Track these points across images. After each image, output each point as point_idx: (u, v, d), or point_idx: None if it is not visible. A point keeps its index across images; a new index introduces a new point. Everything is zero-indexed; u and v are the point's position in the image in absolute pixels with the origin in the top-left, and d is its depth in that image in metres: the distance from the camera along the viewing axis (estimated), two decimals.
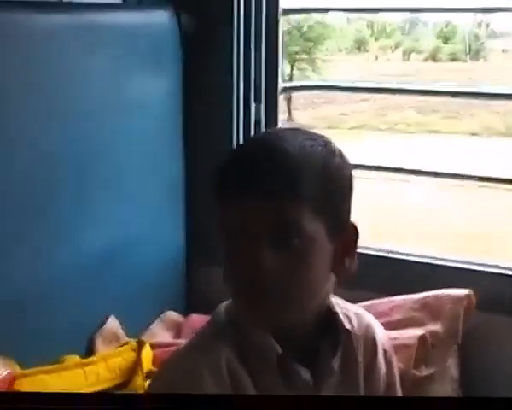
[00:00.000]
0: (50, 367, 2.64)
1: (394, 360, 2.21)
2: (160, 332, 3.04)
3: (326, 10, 3.62)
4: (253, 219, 1.88)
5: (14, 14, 2.75)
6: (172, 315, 3.11)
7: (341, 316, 2.05)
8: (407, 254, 2.93)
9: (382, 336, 2.18)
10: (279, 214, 1.87)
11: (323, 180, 1.91)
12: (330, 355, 2.01)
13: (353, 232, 1.99)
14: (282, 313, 1.93)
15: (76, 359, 2.76)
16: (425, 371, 2.56)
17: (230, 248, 1.93)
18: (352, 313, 2.10)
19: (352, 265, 1.99)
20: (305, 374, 1.98)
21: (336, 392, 2.05)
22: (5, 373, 1.93)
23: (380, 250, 2.82)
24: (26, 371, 2.52)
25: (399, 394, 2.22)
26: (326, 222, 1.91)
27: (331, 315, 2.04)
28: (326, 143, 1.96)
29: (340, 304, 2.08)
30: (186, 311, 3.13)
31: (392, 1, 3.37)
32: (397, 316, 2.61)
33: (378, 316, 2.27)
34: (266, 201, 1.87)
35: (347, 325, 2.04)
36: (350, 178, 1.99)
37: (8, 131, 2.68)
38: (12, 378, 1.97)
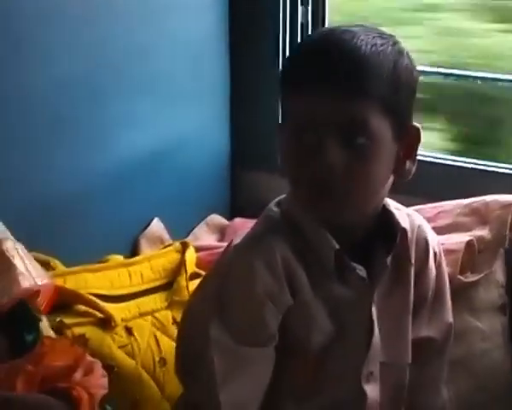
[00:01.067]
0: (94, 266, 2.64)
1: (444, 263, 2.21)
2: (204, 235, 3.07)
3: None
4: (322, 114, 1.87)
5: None
6: (217, 218, 3.15)
7: (396, 215, 2.04)
8: (456, 161, 2.92)
9: (433, 237, 2.19)
10: (349, 112, 1.87)
11: (393, 81, 1.91)
12: (385, 253, 2.02)
13: (416, 135, 2.00)
14: (343, 209, 1.95)
15: (120, 259, 2.78)
16: (471, 277, 2.53)
17: (296, 145, 1.92)
18: (405, 213, 2.10)
19: (412, 167, 1.99)
20: (361, 271, 1.98)
21: (388, 290, 2.06)
22: (45, 281, 1.90)
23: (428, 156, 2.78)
24: (70, 269, 2.52)
25: (449, 299, 2.22)
26: (393, 123, 1.91)
27: (387, 214, 2.05)
28: (395, 43, 1.96)
29: (392, 204, 2.09)
30: (230, 215, 3.15)
31: None
32: (444, 221, 2.60)
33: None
34: (337, 97, 1.86)
35: (403, 224, 2.05)
36: (416, 81, 2.00)
37: (56, 35, 2.68)
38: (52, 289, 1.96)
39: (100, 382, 1.91)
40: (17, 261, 1.88)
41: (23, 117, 2.61)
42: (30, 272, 1.89)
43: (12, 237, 1.95)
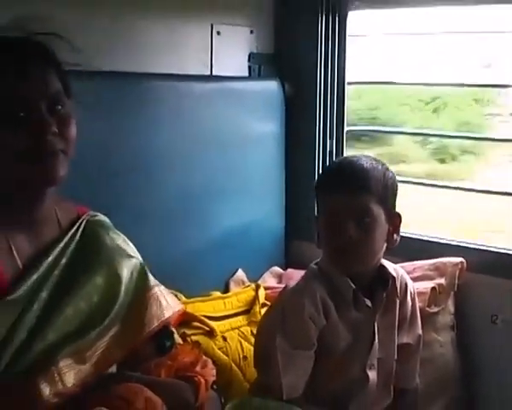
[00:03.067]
0: (203, 298, 2.70)
1: (417, 299, 2.32)
2: (269, 279, 3.04)
3: (388, 83, 3.42)
4: (343, 206, 2.04)
5: (179, 83, 2.80)
6: (276, 269, 3.10)
7: (389, 268, 2.16)
8: (422, 236, 2.94)
9: (410, 283, 2.29)
10: (358, 203, 2.03)
11: (383, 184, 2.07)
12: (381, 291, 2.14)
13: (399, 218, 2.13)
14: (356, 264, 2.09)
15: (218, 294, 2.80)
16: (434, 309, 2.60)
17: (327, 225, 2.08)
18: (393, 267, 2.21)
19: (398, 239, 2.13)
20: (368, 302, 2.11)
21: (383, 313, 2.17)
22: (181, 308, 2.01)
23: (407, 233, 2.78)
24: (189, 299, 2.59)
25: (419, 320, 2.32)
26: (384, 209, 2.07)
27: (383, 267, 2.16)
28: (383, 164, 2.12)
29: (385, 262, 2.20)
30: (285, 267, 3.13)
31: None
32: (417, 273, 2.64)
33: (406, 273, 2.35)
34: (351, 195, 2.04)
35: (393, 274, 2.16)
36: (396, 185, 2.14)
37: (175, 158, 2.74)
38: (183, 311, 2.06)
39: (211, 372, 1.93)
40: (162, 299, 1.88)
41: (164, 210, 2.67)
42: (170, 304, 1.90)
43: (157, 282, 1.92)
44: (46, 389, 1.57)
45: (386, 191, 2.12)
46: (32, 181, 1.65)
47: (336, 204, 2.08)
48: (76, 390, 1.62)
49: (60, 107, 1.66)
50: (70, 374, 1.62)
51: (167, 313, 1.87)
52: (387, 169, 2.16)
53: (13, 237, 1.67)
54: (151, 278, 1.91)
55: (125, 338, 1.75)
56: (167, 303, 1.90)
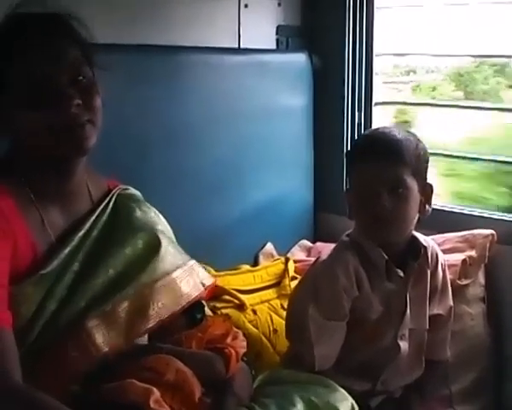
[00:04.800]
0: (233, 271, 2.72)
1: (447, 271, 2.30)
2: (298, 253, 3.04)
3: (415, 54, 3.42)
4: (377, 177, 2.03)
5: (207, 56, 2.80)
6: (305, 242, 3.10)
7: (421, 239, 2.15)
8: (452, 208, 2.94)
9: (441, 254, 2.27)
10: (393, 174, 2.03)
11: (416, 155, 2.06)
12: (413, 261, 2.13)
13: (431, 189, 2.13)
14: (390, 234, 2.08)
15: (248, 267, 2.81)
16: (465, 281, 2.59)
17: (361, 196, 2.08)
18: (423, 239, 2.20)
19: (429, 209, 2.12)
20: (400, 273, 2.11)
21: (415, 284, 2.17)
22: (212, 280, 2.00)
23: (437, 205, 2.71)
24: (219, 273, 2.59)
25: (450, 291, 2.32)
26: (417, 180, 2.06)
27: (414, 238, 2.15)
28: (415, 135, 2.11)
29: (417, 234, 2.19)
30: (313, 240, 3.14)
31: None
32: (448, 246, 2.62)
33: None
34: (385, 166, 2.04)
35: (425, 244, 2.16)
36: (428, 156, 2.12)
37: (205, 131, 2.75)
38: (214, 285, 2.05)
39: (242, 344, 1.93)
40: (193, 274, 1.86)
41: (193, 183, 2.69)
42: (201, 279, 1.89)
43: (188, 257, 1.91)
44: (76, 353, 1.59)
45: (418, 162, 2.11)
46: (61, 154, 1.64)
47: (370, 175, 2.07)
48: (105, 354, 1.63)
49: (82, 77, 1.65)
50: (99, 335, 1.62)
51: (196, 291, 1.86)
52: (419, 140, 2.15)
53: (46, 211, 1.68)
54: (182, 252, 1.91)
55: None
56: (198, 278, 1.90)
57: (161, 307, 1.74)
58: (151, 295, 1.73)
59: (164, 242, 1.82)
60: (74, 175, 1.73)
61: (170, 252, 1.83)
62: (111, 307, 1.67)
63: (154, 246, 1.80)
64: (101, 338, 1.62)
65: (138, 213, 1.85)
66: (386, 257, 2.12)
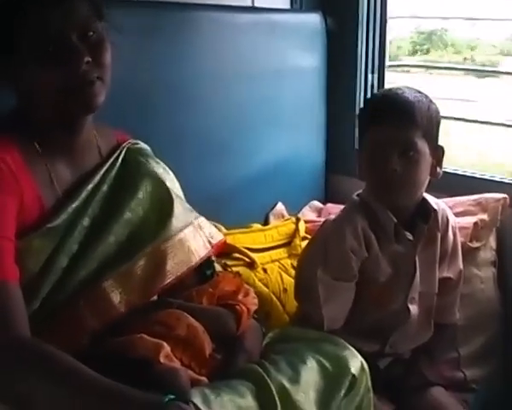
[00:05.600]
0: (244, 230, 2.72)
1: (458, 234, 2.30)
2: (308, 213, 3.05)
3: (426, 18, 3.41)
4: (388, 139, 2.02)
5: (220, 14, 2.78)
6: (316, 203, 3.11)
7: (430, 202, 2.14)
8: (464, 172, 2.93)
9: (452, 217, 2.27)
10: (404, 137, 2.01)
11: (428, 117, 2.04)
12: (423, 224, 2.12)
13: (442, 151, 2.11)
14: (400, 197, 2.07)
15: (259, 226, 2.81)
16: (476, 244, 2.58)
17: (371, 157, 2.07)
18: (434, 202, 2.19)
19: (440, 172, 2.11)
20: (409, 235, 2.10)
21: (425, 247, 2.17)
22: (222, 238, 2.00)
23: (448, 169, 2.78)
24: (230, 231, 2.60)
25: (460, 254, 2.31)
26: (429, 143, 2.04)
27: (424, 201, 2.14)
28: (427, 96, 2.08)
29: (428, 196, 2.18)
30: (324, 201, 3.15)
31: None
32: (459, 209, 2.61)
33: None
34: (397, 127, 2.01)
35: (435, 207, 2.15)
36: (440, 118, 2.10)
37: (216, 89, 2.74)
38: (223, 242, 2.05)
39: (253, 301, 1.93)
40: (201, 231, 1.86)
41: (204, 143, 2.68)
42: (211, 236, 1.89)
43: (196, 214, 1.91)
44: (91, 314, 1.60)
45: (430, 124, 2.09)
46: (70, 111, 1.63)
47: (381, 137, 2.05)
48: (120, 312, 1.64)
49: (92, 33, 1.62)
50: (115, 296, 1.63)
51: (205, 248, 1.86)
52: (431, 102, 2.13)
53: (53, 166, 1.67)
54: (191, 209, 1.91)
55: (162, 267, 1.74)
56: (206, 236, 1.89)
57: (178, 263, 1.75)
58: (167, 252, 1.74)
59: (175, 198, 1.83)
60: (82, 131, 1.72)
61: (180, 208, 1.84)
62: (127, 266, 1.67)
63: (165, 202, 1.81)
64: (118, 299, 1.63)
65: (148, 167, 1.84)
66: (395, 220, 2.11)
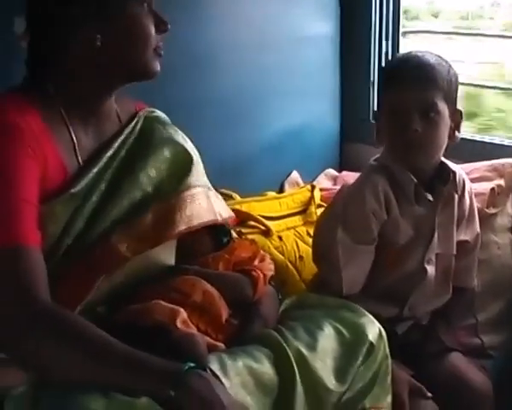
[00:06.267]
0: (259, 198, 2.72)
1: (474, 198, 2.29)
2: (323, 181, 3.05)
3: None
4: (409, 100, 2.02)
5: None
6: (331, 171, 3.12)
7: (449, 164, 2.14)
8: (480, 138, 2.92)
9: (468, 181, 2.27)
10: (425, 98, 2.01)
11: (448, 80, 2.04)
12: (442, 185, 2.12)
13: (460, 115, 2.11)
14: (420, 157, 2.07)
15: (273, 194, 2.82)
16: (493, 210, 2.56)
17: (392, 119, 2.06)
18: (451, 164, 2.18)
19: (459, 136, 2.11)
20: (429, 196, 2.09)
21: (443, 208, 2.17)
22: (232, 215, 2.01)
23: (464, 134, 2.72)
24: (244, 199, 2.63)
25: (477, 218, 2.31)
26: (448, 106, 2.04)
27: (443, 164, 2.14)
28: (447, 61, 2.08)
29: (446, 160, 2.17)
30: (339, 169, 3.16)
31: None
32: (475, 175, 2.60)
33: None
34: (418, 89, 2.02)
35: (453, 169, 2.14)
36: (458, 82, 2.11)
37: (229, 58, 2.77)
38: (234, 219, 2.05)
39: (269, 267, 1.93)
40: (202, 202, 1.82)
41: (219, 111, 2.71)
42: (214, 210, 1.86)
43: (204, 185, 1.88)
44: (100, 263, 1.61)
45: (450, 87, 2.08)
46: (136, 73, 1.71)
47: (402, 98, 2.05)
48: (128, 259, 1.65)
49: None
50: (122, 246, 1.63)
51: (207, 218, 1.84)
52: (450, 66, 2.13)
53: (76, 132, 1.69)
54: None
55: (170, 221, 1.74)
56: (212, 209, 1.88)
57: (189, 216, 1.75)
58: (177, 204, 1.75)
59: (194, 159, 1.84)
60: (111, 97, 1.75)
61: (199, 171, 1.86)
62: (136, 220, 1.69)
63: (184, 163, 1.83)
64: (125, 247, 1.64)
65: (165, 134, 1.84)
66: (415, 180, 2.10)
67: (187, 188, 1.79)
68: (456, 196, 2.21)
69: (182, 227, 1.72)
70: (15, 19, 1.70)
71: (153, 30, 1.69)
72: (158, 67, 1.72)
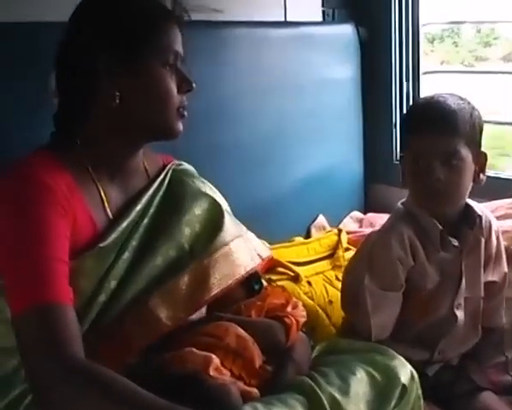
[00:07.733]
0: (286, 244, 2.76)
1: (501, 237, 2.29)
2: (349, 224, 3.07)
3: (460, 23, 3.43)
4: (431, 147, 2.02)
5: (254, 30, 2.85)
6: (357, 214, 3.14)
7: (475, 207, 2.14)
8: (503, 175, 2.94)
9: (495, 221, 2.27)
10: (447, 146, 2.01)
11: (470, 124, 2.03)
12: (468, 230, 2.12)
13: (485, 158, 2.10)
14: (444, 205, 2.08)
15: (301, 239, 2.84)
16: None
17: (414, 166, 2.07)
18: (477, 207, 2.19)
19: (484, 178, 2.11)
20: (455, 242, 2.10)
21: (470, 252, 2.17)
22: (270, 254, 2.02)
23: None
24: (273, 245, 2.61)
25: (504, 258, 2.30)
26: (472, 150, 2.04)
27: (469, 207, 2.14)
28: (469, 102, 2.07)
29: (471, 201, 2.18)
30: (365, 211, 3.17)
31: None
32: (500, 212, 2.61)
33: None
34: (439, 137, 2.01)
35: (479, 213, 2.15)
36: (482, 124, 2.09)
37: (252, 104, 2.79)
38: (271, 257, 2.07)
39: (302, 313, 1.93)
40: (238, 254, 1.84)
41: (243, 156, 2.76)
42: (253, 257, 1.90)
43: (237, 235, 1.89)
44: (138, 329, 1.61)
45: (473, 132, 2.08)
46: (158, 133, 1.73)
47: (424, 145, 2.05)
48: (167, 326, 1.65)
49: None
50: (161, 312, 1.64)
51: (254, 262, 1.89)
52: (474, 108, 2.12)
53: (104, 188, 1.71)
54: (239, 223, 1.93)
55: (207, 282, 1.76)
56: (255, 250, 1.92)
57: (221, 277, 1.76)
58: (210, 265, 1.76)
59: (225, 212, 1.86)
60: (138, 153, 1.78)
61: (231, 223, 1.86)
62: (171, 283, 1.69)
63: (216, 218, 1.84)
64: (165, 314, 1.65)
65: (194, 187, 1.87)
66: (440, 227, 2.11)
67: (220, 247, 1.79)
68: (483, 240, 2.21)
69: (215, 291, 1.74)
70: (50, 75, 1.71)
71: (175, 90, 1.69)
72: (181, 127, 1.73)
